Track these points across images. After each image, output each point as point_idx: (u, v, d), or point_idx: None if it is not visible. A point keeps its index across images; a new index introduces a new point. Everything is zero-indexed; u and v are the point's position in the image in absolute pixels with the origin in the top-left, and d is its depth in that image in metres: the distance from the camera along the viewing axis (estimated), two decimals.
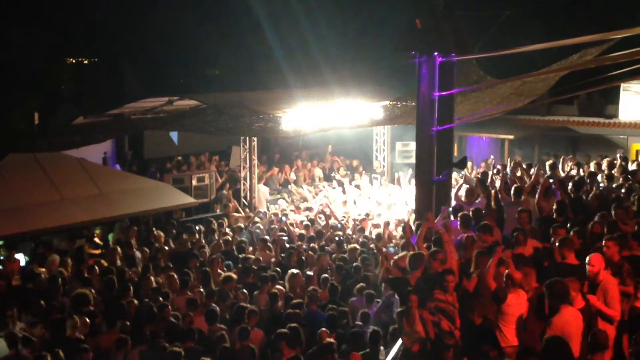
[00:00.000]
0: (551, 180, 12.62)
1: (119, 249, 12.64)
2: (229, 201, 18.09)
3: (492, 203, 11.83)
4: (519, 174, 13.61)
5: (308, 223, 15.18)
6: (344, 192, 19.07)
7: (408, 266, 8.79)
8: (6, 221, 12.58)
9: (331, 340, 8.25)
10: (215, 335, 8.79)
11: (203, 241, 13.71)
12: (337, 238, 13.44)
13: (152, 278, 10.98)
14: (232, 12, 28.70)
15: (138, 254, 12.63)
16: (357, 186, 19.81)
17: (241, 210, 17.84)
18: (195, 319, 9.22)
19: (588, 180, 13.15)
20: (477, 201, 12.09)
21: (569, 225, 9.67)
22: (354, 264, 11.44)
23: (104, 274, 11.08)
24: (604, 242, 8.40)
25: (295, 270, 10.98)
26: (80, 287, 10.44)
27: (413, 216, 13.46)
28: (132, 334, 8.76)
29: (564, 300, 7.12)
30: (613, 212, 9.91)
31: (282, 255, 12.58)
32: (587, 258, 7.77)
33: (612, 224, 9.33)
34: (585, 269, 7.79)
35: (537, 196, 11.29)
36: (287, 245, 13.10)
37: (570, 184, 12.17)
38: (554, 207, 10.69)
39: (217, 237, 14.00)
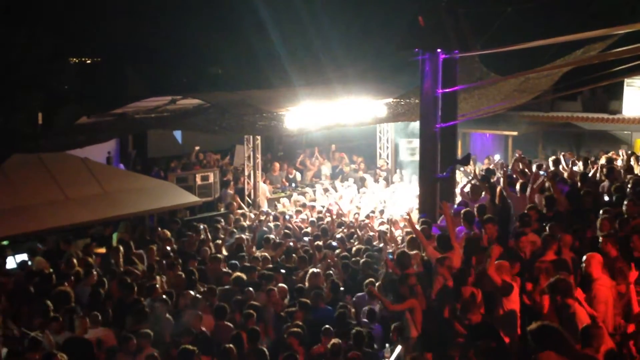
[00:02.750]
0: (542, 174, 12.65)
1: (122, 248, 12.65)
2: (233, 200, 18.11)
3: (497, 200, 11.81)
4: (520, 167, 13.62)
5: (314, 220, 15.20)
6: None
7: (397, 266, 8.88)
8: (10, 221, 12.61)
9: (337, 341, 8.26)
10: (221, 333, 8.82)
11: (210, 240, 13.71)
12: (339, 236, 13.44)
13: (158, 277, 11.01)
14: (235, 10, 28.68)
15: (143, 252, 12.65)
16: (363, 179, 19.83)
17: (245, 208, 17.87)
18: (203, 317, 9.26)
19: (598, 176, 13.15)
20: (481, 198, 12.08)
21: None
22: (360, 260, 11.45)
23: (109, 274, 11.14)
24: (600, 239, 8.43)
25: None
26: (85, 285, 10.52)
27: (416, 213, 13.48)
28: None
29: (569, 296, 7.14)
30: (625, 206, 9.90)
31: (285, 253, 12.57)
32: (584, 257, 7.83)
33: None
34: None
35: (529, 191, 11.28)
36: (291, 244, 13.10)
37: (578, 178, 12.19)
38: (543, 202, 10.70)
39: (222, 236, 14.02)
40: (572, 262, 8.46)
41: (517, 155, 16.93)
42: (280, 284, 10.58)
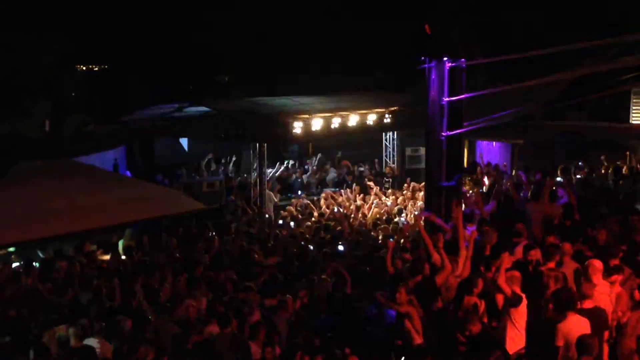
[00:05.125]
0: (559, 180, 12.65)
1: (128, 254, 12.67)
2: (239, 207, 18.11)
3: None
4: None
5: (321, 225, 15.20)
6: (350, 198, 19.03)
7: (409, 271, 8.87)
8: (17, 228, 12.60)
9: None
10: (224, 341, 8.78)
11: (216, 247, 13.71)
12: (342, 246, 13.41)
13: (162, 284, 11.02)
14: (242, 18, 28.78)
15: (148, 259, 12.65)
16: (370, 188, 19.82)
17: (251, 215, 17.84)
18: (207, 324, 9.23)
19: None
20: (488, 205, 12.10)
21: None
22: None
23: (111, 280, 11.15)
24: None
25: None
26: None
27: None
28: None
29: (569, 307, 7.16)
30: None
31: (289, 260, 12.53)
32: (586, 263, 7.88)
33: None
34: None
35: (544, 201, 11.30)
36: (296, 250, 13.08)
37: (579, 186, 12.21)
38: (562, 210, 10.71)
39: (228, 242, 14.01)
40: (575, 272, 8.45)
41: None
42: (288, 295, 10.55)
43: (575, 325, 7.12)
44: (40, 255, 13.21)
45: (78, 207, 13.73)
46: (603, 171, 16.11)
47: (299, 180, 21.35)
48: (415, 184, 19.20)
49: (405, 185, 20.02)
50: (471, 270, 8.92)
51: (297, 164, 23.34)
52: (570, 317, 7.18)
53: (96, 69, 31.81)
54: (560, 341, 7.10)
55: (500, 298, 7.93)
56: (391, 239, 12.59)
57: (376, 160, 23.53)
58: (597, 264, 7.92)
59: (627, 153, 19.69)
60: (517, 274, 7.87)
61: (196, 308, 9.90)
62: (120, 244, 14.50)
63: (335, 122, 17.42)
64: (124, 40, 28.05)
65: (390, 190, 20.21)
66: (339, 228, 14.88)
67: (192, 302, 10.02)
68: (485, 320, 7.82)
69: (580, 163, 18.34)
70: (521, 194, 12.62)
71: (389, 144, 22.95)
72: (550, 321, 7.43)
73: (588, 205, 11.14)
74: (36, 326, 9.44)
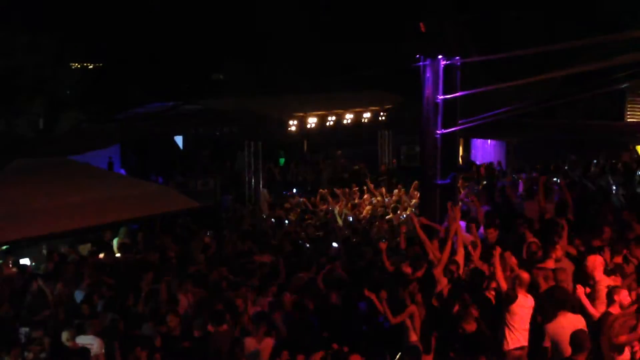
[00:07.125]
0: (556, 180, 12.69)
1: (123, 252, 12.67)
2: (234, 205, 18.09)
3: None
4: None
5: (318, 223, 15.22)
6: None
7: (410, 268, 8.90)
8: (11, 226, 12.57)
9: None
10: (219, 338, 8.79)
11: (211, 245, 13.71)
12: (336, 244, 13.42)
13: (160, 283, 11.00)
14: (237, 16, 28.76)
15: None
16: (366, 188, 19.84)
17: (246, 213, 17.84)
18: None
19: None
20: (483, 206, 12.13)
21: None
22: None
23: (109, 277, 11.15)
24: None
25: (300, 275, 10.94)
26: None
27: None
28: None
29: (562, 307, 7.14)
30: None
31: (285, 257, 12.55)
32: (587, 258, 7.90)
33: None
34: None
35: (538, 198, 11.35)
36: (291, 248, 13.10)
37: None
38: (554, 208, 10.75)
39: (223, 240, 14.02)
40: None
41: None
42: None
43: (566, 325, 7.01)
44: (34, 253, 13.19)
45: (72, 205, 13.71)
46: (598, 169, 16.15)
47: (293, 178, 21.34)
48: (416, 183, 19.18)
49: (399, 185, 20.00)
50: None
51: (292, 162, 23.33)
52: (560, 317, 7.13)
53: (91, 67, 31.67)
54: (547, 342, 7.06)
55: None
56: (383, 240, 12.59)
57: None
58: (599, 259, 7.94)
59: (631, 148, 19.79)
60: (524, 275, 7.78)
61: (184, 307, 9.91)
62: (115, 242, 14.48)
63: (330, 120, 17.46)
64: (119, 38, 27.96)
65: (385, 189, 20.21)
66: (334, 226, 14.93)
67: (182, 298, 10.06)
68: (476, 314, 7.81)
69: (573, 157, 18.37)
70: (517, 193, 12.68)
71: (384, 141, 22.94)
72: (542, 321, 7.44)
73: (580, 205, 11.16)
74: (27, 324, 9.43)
